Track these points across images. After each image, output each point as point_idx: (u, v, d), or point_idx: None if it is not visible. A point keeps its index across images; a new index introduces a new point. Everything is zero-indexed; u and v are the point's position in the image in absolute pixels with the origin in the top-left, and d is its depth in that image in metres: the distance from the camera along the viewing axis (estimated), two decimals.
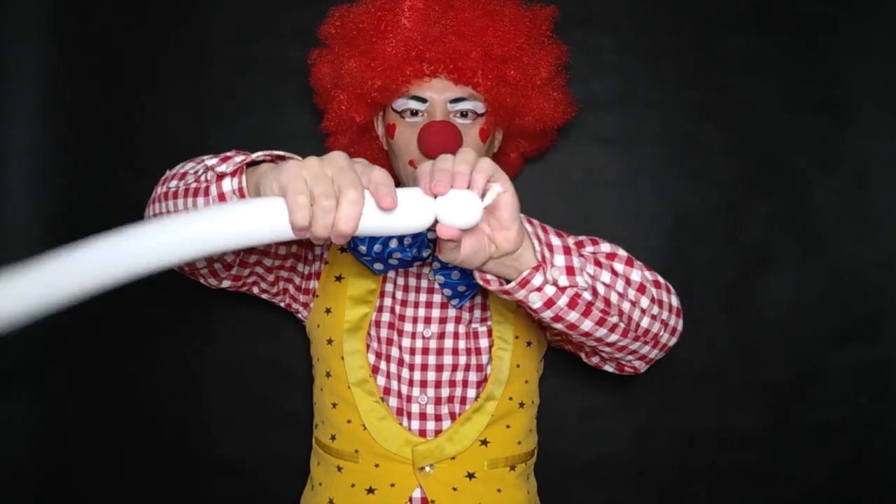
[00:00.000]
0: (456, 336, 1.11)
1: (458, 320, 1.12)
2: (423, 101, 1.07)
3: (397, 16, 1.07)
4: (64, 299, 0.67)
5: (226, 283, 1.09)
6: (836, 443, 1.47)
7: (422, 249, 1.08)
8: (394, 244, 1.08)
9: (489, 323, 1.12)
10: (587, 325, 0.88)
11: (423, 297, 1.13)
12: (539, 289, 0.82)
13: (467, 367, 1.10)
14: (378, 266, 1.09)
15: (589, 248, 0.94)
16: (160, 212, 0.91)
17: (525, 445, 1.14)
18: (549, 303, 0.84)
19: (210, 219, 0.68)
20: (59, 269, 0.67)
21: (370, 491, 1.07)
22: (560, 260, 0.83)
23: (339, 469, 1.11)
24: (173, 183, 0.90)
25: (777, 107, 1.47)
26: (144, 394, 1.52)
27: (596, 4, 1.47)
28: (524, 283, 0.82)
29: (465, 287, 1.08)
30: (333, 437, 1.12)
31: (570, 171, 1.48)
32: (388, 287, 1.14)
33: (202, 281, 1.07)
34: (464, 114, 1.07)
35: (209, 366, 1.52)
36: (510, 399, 1.11)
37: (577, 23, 1.44)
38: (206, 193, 0.83)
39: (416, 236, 1.08)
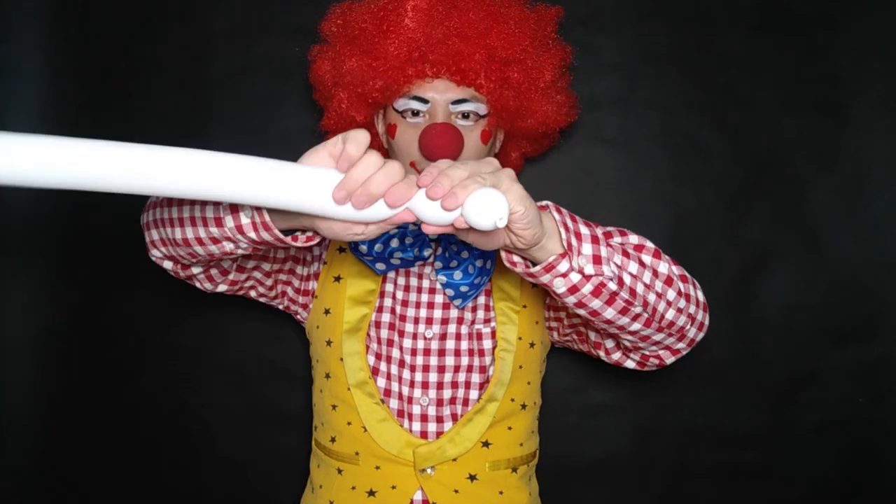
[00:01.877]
0: (458, 337, 1.10)
1: (459, 321, 1.11)
2: (425, 101, 1.06)
3: (400, 16, 1.06)
4: (66, 180, 0.62)
5: (222, 288, 1.08)
6: (835, 443, 1.47)
7: (423, 249, 1.08)
8: (395, 244, 1.07)
9: (493, 324, 1.11)
10: (610, 313, 0.88)
11: (424, 298, 1.13)
12: (564, 275, 0.82)
13: (469, 369, 1.09)
14: (380, 266, 1.09)
15: (617, 239, 0.93)
16: (159, 217, 0.91)
17: (527, 447, 1.14)
18: (574, 289, 0.83)
19: (264, 169, 0.69)
20: (77, 148, 0.62)
21: (371, 493, 1.07)
22: (587, 249, 0.82)
23: (340, 471, 1.10)
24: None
25: (777, 107, 1.46)
26: (144, 393, 1.52)
27: (596, 4, 1.46)
28: (549, 268, 0.82)
29: (468, 287, 1.08)
30: (333, 440, 1.11)
31: (570, 171, 1.47)
32: (389, 287, 1.13)
33: (198, 285, 1.06)
34: (465, 115, 1.07)
35: (209, 365, 1.51)
36: (512, 400, 1.10)
37: (578, 23, 1.43)
38: (217, 202, 0.82)
39: (417, 235, 1.07)
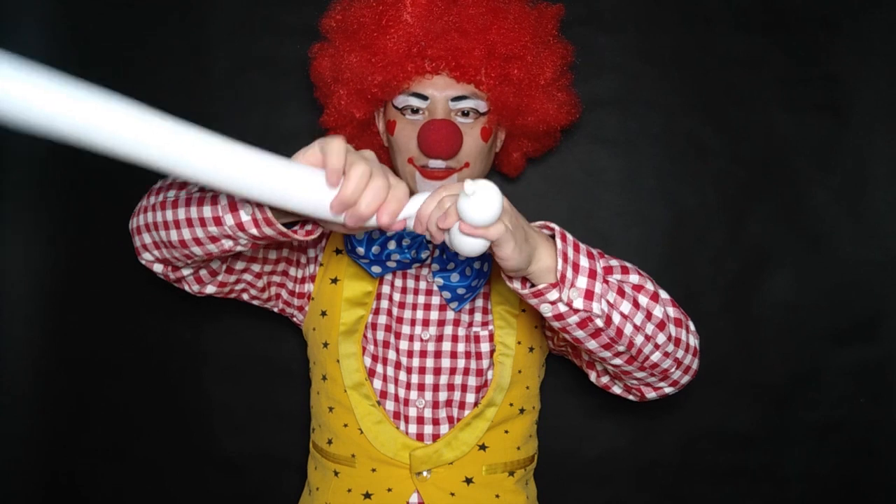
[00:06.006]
0: (455, 339, 1.10)
1: (456, 323, 1.11)
2: (424, 98, 1.05)
3: (399, 10, 1.05)
4: (58, 129, 0.62)
5: (210, 290, 1.07)
6: (836, 443, 1.46)
7: (421, 251, 1.08)
8: (392, 246, 1.07)
9: (491, 327, 1.11)
10: (592, 344, 0.89)
11: (421, 300, 1.12)
12: (552, 303, 0.83)
13: (466, 371, 1.08)
14: (376, 269, 1.08)
15: (616, 276, 0.93)
16: (151, 221, 0.90)
17: (524, 451, 1.13)
18: (559, 317, 0.84)
19: (258, 163, 0.70)
20: (79, 96, 0.63)
21: (367, 496, 1.06)
22: (582, 282, 0.83)
23: (336, 474, 1.10)
24: (171, 192, 0.89)
25: (777, 107, 1.46)
26: (145, 393, 1.52)
27: (597, 5, 1.46)
28: (538, 294, 0.83)
29: (465, 290, 1.07)
30: (330, 441, 1.11)
31: (570, 171, 1.47)
32: (385, 289, 1.13)
33: (186, 288, 1.04)
34: (465, 113, 1.06)
35: (210, 366, 1.51)
36: (511, 405, 1.09)
37: (579, 23, 1.43)
38: (215, 202, 0.82)
39: (414, 237, 1.07)
